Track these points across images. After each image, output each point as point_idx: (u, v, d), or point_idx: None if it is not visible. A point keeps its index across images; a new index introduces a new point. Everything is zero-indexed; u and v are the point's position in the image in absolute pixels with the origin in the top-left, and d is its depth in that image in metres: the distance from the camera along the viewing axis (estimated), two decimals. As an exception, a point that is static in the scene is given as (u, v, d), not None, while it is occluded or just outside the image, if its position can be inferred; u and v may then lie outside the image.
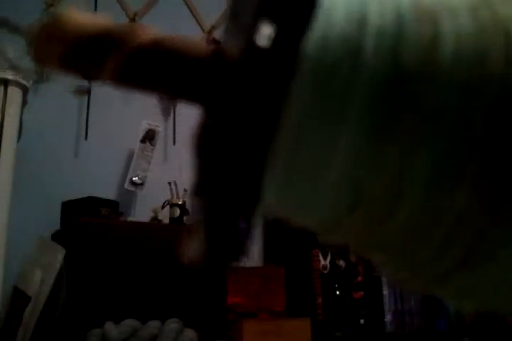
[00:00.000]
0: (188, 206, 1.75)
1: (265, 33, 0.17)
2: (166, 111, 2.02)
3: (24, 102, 1.50)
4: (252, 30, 0.17)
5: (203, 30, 2.14)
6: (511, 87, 0.18)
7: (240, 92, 0.17)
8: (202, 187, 0.20)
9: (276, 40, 0.17)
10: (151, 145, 1.86)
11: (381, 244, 0.20)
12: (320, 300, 1.65)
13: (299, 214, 0.21)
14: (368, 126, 0.17)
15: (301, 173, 0.19)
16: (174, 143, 1.93)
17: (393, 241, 0.20)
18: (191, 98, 0.22)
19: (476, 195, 0.18)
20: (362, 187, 0.18)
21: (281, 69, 0.17)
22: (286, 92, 0.17)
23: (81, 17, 0.22)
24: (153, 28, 0.23)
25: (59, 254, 1.37)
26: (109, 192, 1.75)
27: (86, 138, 1.85)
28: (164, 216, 1.75)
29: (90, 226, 1.47)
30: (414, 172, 0.18)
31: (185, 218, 1.72)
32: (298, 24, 0.17)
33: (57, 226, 1.62)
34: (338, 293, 1.70)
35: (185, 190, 1.77)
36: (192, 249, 0.21)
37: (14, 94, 1.42)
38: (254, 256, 1.72)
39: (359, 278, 1.72)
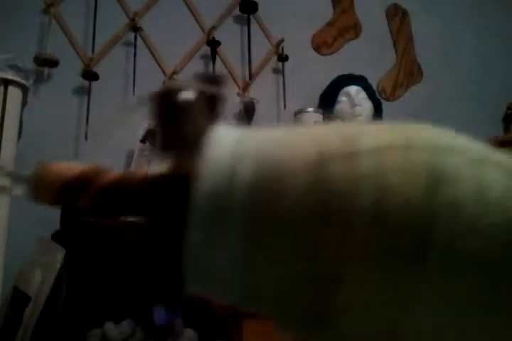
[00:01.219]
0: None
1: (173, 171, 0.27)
2: (166, 111, 2.02)
3: (24, 102, 1.50)
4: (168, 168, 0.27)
5: (203, 30, 2.14)
6: None
7: (161, 208, 0.27)
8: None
9: (180, 176, 0.26)
10: (151, 145, 1.86)
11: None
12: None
13: (211, 294, 0.30)
14: (241, 249, 0.25)
15: (208, 264, 0.26)
16: (174, 143, 1.93)
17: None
18: (138, 215, 0.31)
19: None
20: (241, 284, 0.26)
21: (184, 193, 0.25)
22: (188, 209, 0.25)
23: (58, 167, 0.31)
24: (113, 170, 0.32)
25: (59, 254, 1.37)
26: (109, 192, 1.75)
27: (86, 138, 1.85)
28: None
29: (90, 226, 1.47)
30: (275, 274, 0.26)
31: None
32: (192, 167, 0.26)
33: (57, 226, 1.62)
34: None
35: (185, 190, 1.77)
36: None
37: (14, 94, 1.42)
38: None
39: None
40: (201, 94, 0.30)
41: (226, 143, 0.27)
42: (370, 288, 0.24)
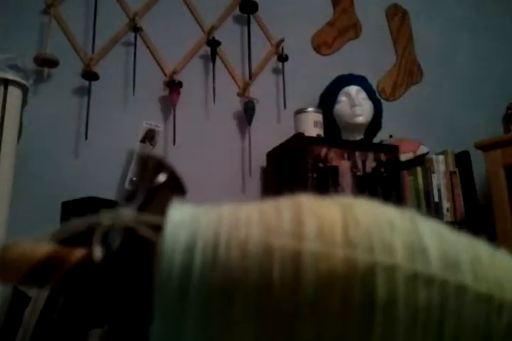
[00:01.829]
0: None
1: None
2: (166, 111, 2.02)
3: (24, 102, 1.50)
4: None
5: (203, 30, 2.14)
6: None
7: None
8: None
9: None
10: (151, 145, 1.86)
11: None
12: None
13: None
14: (200, 325, 0.29)
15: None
16: (174, 143, 1.93)
17: None
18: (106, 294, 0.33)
19: None
20: None
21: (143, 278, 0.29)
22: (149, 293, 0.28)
23: (22, 248, 0.30)
24: (75, 250, 0.32)
25: (59, 254, 1.37)
26: (109, 192, 1.75)
27: (86, 138, 1.85)
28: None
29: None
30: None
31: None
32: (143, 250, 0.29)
33: (57, 226, 1.62)
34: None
35: (185, 190, 1.77)
36: None
37: (14, 94, 1.42)
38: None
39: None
40: (171, 175, 0.34)
41: (182, 222, 0.30)
42: None
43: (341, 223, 0.30)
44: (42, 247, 0.31)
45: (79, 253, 0.31)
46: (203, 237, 0.29)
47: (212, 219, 0.31)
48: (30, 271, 0.30)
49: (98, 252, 0.29)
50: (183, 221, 0.30)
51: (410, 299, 0.28)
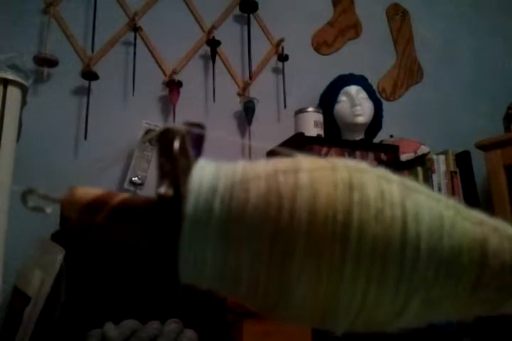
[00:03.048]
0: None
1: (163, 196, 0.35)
2: (166, 111, 2.02)
3: (24, 102, 1.50)
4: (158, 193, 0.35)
5: (203, 30, 2.14)
6: None
7: (157, 224, 0.36)
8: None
9: (169, 201, 0.35)
10: (151, 145, 1.86)
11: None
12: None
13: (202, 282, 0.38)
14: (219, 246, 0.35)
15: (195, 264, 0.36)
16: (174, 143, 1.93)
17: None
18: (142, 228, 0.39)
19: None
20: (224, 270, 0.36)
21: (175, 217, 0.35)
22: (179, 225, 0.35)
23: (80, 191, 0.40)
24: (122, 194, 0.40)
25: (59, 254, 1.37)
26: (109, 192, 1.75)
27: (86, 138, 1.85)
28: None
29: (90, 227, 1.47)
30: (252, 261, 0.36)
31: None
32: (179, 195, 0.36)
33: (57, 226, 1.62)
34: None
35: (185, 190, 1.77)
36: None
37: (14, 94, 1.42)
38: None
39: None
40: (189, 135, 0.40)
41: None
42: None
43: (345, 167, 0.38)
44: (95, 191, 0.40)
45: (120, 197, 0.39)
46: (224, 177, 0.37)
47: (231, 167, 0.38)
48: (83, 208, 0.39)
49: (163, 188, 0.35)
50: (207, 165, 0.38)
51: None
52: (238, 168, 0.38)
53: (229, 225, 0.35)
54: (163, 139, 0.39)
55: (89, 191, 0.40)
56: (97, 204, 0.39)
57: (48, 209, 0.42)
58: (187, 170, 0.37)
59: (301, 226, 0.34)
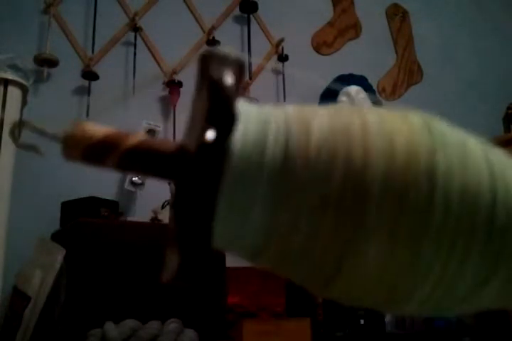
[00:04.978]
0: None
1: (207, 139, 0.29)
2: (166, 111, 2.02)
3: (24, 102, 1.50)
4: (199, 135, 0.29)
5: (203, 30, 2.14)
6: None
7: (196, 173, 0.29)
8: (178, 227, 0.31)
9: (213, 144, 0.29)
10: (151, 145, 1.86)
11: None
12: (320, 300, 1.65)
13: (233, 245, 0.32)
14: (269, 199, 0.29)
15: (234, 219, 0.30)
16: (174, 143, 1.93)
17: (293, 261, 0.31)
18: (165, 178, 0.33)
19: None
20: (270, 232, 0.30)
21: (217, 160, 0.29)
22: (220, 175, 0.29)
23: (87, 127, 0.33)
24: (139, 133, 0.34)
25: (59, 254, 1.37)
26: (109, 192, 1.75)
27: (86, 138, 1.85)
28: (164, 216, 1.75)
29: (90, 226, 1.47)
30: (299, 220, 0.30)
31: (185, 218, 1.71)
32: (225, 136, 0.29)
33: (57, 226, 1.62)
34: (338, 293, 1.69)
35: (185, 190, 1.77)
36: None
37: (14, 94, 1.42)
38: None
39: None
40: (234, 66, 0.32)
41: (253, 113, 0.31)
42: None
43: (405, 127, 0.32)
44: (105, 128, 0.33)
45: (136, 138, 0.33)
46: (275, 118, 0.31)
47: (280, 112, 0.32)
48: (90, 148, 0.32)
49: (211, 134, 0.29)
50: (250, 106, 0.32)
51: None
52: (289, 110, 0.32)
53: (285, 173, 0.29)
54: (206, 67, 0.32)
55: (98, 128, 0.33)
56: (108, 144, 0.32)
57: (40, 149, 0.36)
58: (232, 112, 0.30)
59: (377, 170, 0.29)
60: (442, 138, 0.31)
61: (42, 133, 0.34)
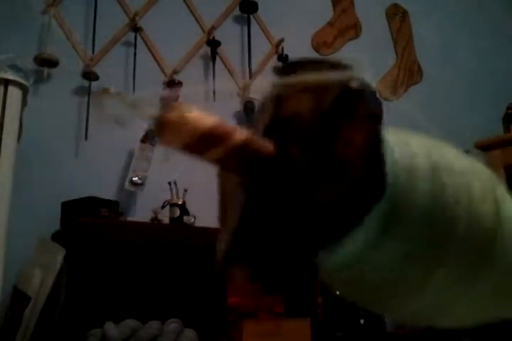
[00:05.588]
0: (187, 206, 1.75)
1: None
2: (166, 111, 2.02)
3: (24, 102, 1.50)
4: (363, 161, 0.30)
5: (203, 30, 2.14)
6: None
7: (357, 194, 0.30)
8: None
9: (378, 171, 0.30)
10: (151, 145, 1.86)
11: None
12: (320, 300, 1.65)
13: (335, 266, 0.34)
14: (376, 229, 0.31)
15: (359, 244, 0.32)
16: (174, 143, 1.93)
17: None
18: (261, 180, 0.32)
19: None
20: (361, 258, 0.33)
21: (379, 186, 0.30)
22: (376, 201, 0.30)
23: (194, 115, 0.30)
24: (243, 130, 0.32)
25: (59, 254, 1.37)
26: (109, 192, 1.75)
27: (86, 138, 1.85)
28: (164, 216, 1.75)
29: (90, 226, 1.47)
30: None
31: (185, 218, 1.72)
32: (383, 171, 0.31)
33: (57, 226, 1.62)
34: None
35: (185, 190, 1.77)
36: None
37: (14, 94, 1.42)
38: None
39: (359, 278, 1.72)
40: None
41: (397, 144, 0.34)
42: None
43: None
44: (211, 118, 0.31)
45: (242, 134, 0.31)
46: (420, 154, 0.34)
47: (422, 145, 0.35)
48: (200, 136, 0.30)
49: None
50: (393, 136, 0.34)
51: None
52: (428, 143, 0.35)
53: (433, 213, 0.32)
54: (348, 100, 0.32)
55: (201, 116, 0.31)
56: (215, 137, 0.31)
57: (127, 124, 0.34)
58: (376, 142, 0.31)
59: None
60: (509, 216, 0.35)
61: (133, 107, 0.32)
